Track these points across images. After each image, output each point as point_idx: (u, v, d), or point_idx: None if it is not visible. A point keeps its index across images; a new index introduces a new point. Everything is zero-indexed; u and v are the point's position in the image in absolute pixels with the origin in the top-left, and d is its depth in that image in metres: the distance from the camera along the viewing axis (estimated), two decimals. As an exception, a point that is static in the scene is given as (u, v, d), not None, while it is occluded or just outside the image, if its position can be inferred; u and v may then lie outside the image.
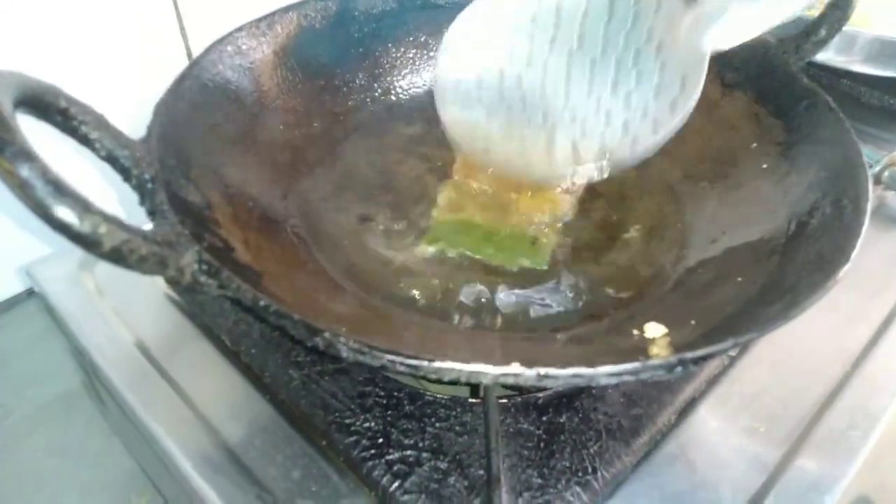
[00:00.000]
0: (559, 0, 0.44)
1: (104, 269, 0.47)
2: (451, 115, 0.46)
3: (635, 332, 0.34)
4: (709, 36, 0.38)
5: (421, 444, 0.35)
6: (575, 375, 0.25)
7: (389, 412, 0.37)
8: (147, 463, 0.50)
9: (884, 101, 0.61)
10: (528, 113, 0.44)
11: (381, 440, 0.35)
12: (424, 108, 0.52)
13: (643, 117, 0.40)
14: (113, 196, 0.48)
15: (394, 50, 0.52)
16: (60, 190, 0.22)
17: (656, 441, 0.36)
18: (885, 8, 0.62)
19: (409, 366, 0.25)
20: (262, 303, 0.26)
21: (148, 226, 0.28)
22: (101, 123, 0.29)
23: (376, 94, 0.51)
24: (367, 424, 0.36)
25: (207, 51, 0.40)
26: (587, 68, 0.43)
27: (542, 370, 0.24)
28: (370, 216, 0.44)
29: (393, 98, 0.52)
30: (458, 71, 0.46)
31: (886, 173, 0.51)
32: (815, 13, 0.45)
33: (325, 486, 0.35)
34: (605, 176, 0.42)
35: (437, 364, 0.25)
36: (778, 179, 0.40)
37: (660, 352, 0.31)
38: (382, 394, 0.38)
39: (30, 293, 0.54)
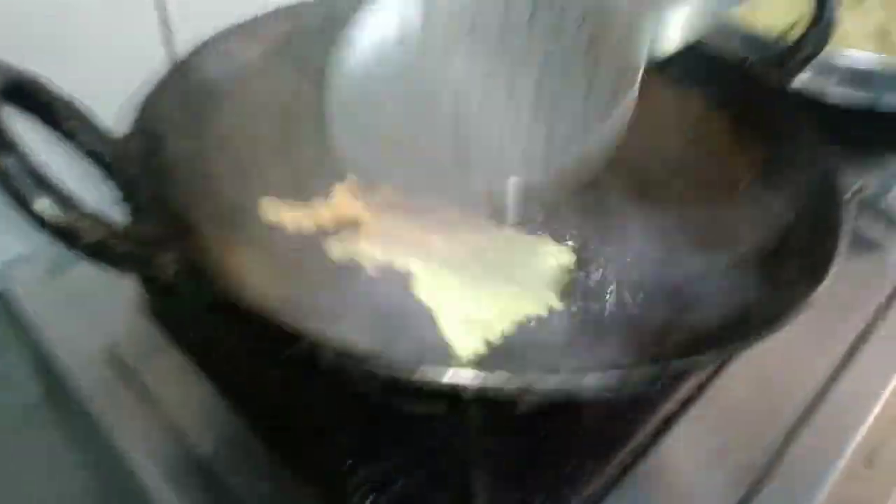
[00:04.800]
0: None
1: (75, 274, 0.46)
2: (346, 124, 0.39)
3: None
4: (645, 35, 0.34)
5: (398, 458, 0.35)
6: (558, 388, 0.25)
7: (366, 426, 0.36)
8: (109, 476, 0.49)
9: (856, 128, 0.63)
10: (438, 120, 0.38)
11: (356, 453, 0.35)
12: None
13: (572, 120, 0.35)
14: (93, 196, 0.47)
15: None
16: (41, 183, 0.22)
17: (634, 457, 0.36)
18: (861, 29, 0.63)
19: (389, 376, 0.25)
20: (242, 305, 0.25)
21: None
22: (85, 119, 0.28)
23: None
24: (341, 437, 0.35)
25: (196, 50, 0.40)
26: (507, 66, 0.37)
27: (524, 382, 0.24)
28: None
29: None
30: (360, 72, 0.39)
31: (857, 199, 0.53)
32: (797, 32, 0.46)
33: (298, 500, 0.34)
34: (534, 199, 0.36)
35: (419, 374, 0.25)
36: (756, 198, 0.41)
37: None
38: (358, 406, 0.37)
39: (-6, 296, 0.52)
